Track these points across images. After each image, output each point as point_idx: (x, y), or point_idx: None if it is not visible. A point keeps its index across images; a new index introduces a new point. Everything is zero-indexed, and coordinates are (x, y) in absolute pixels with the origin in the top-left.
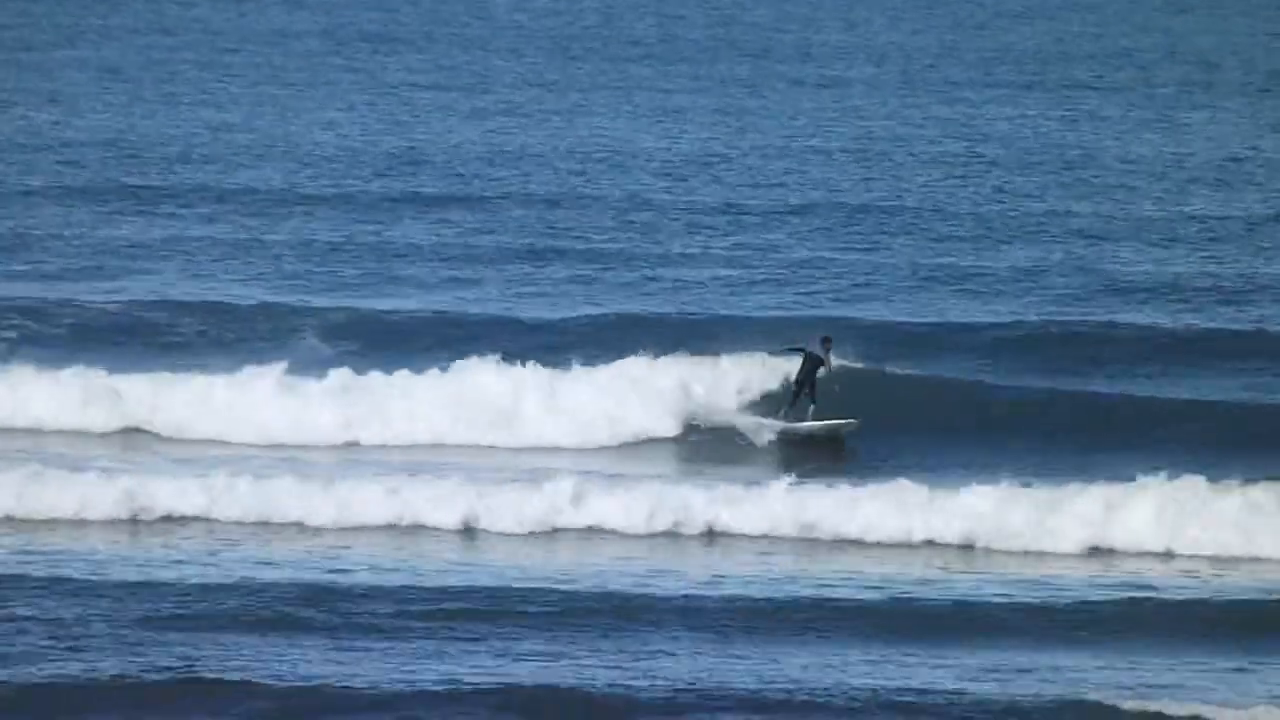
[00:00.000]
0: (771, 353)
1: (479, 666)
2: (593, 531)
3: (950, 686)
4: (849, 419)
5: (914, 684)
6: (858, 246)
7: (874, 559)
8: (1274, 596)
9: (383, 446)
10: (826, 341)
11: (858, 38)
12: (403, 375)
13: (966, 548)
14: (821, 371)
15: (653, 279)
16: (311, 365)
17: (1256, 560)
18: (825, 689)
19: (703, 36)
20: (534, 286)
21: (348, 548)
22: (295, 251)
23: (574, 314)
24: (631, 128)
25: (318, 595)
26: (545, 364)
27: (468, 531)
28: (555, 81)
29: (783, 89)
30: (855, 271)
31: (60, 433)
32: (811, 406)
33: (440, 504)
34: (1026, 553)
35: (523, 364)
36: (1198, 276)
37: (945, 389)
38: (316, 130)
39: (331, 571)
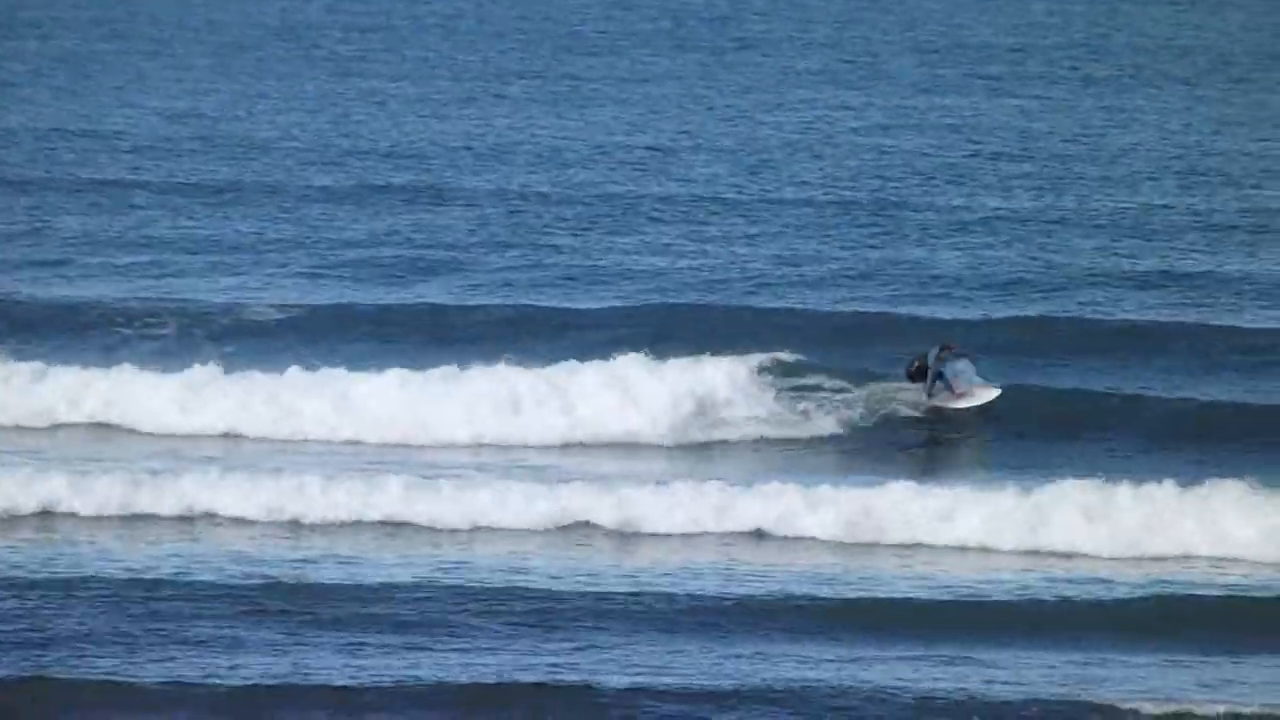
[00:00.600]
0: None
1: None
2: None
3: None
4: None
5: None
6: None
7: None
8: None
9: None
10: (946, 348)
11: (803, 28)
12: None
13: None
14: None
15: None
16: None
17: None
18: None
19: (654, 28)
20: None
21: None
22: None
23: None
24: (583, 118)
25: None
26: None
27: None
28: (503, 73)
29: (738, 80)
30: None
31: None
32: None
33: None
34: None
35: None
36: (1138, 266)
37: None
38: (262, 121)
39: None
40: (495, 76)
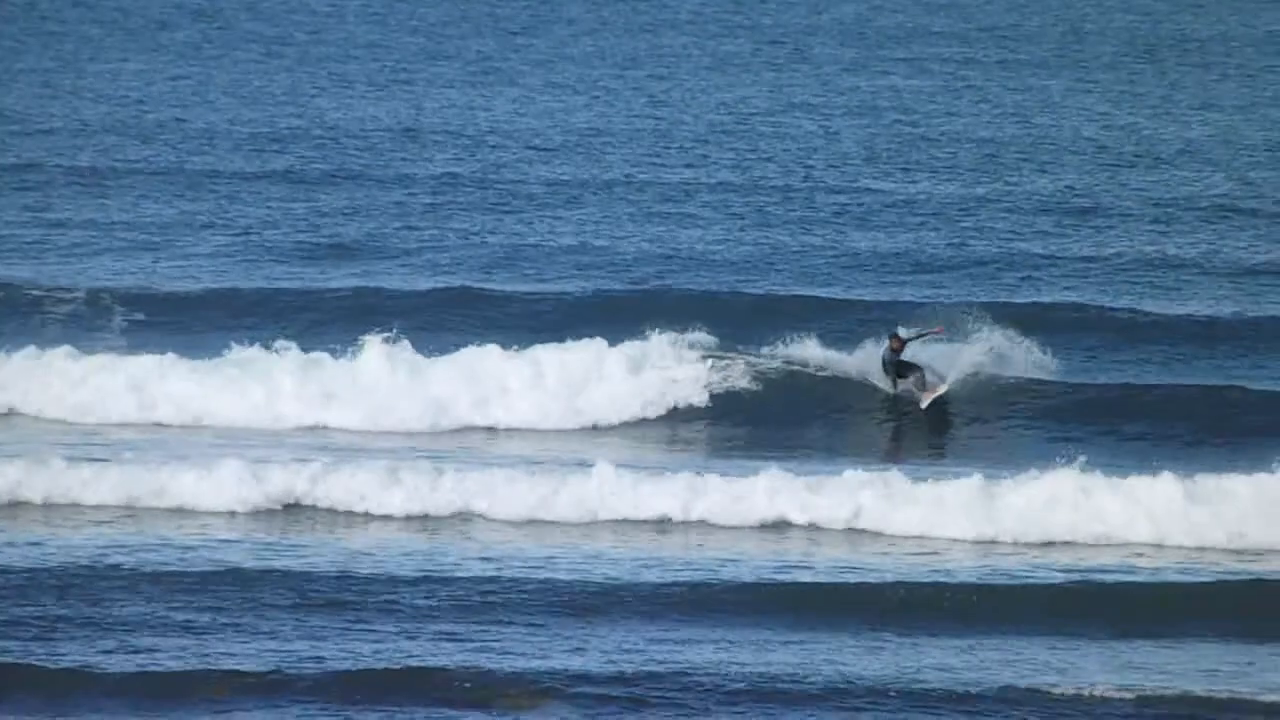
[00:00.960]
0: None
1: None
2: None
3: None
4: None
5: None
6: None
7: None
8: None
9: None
10: (893, 339)
11: (726, 10)
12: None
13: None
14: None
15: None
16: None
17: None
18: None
19: (574, 10)
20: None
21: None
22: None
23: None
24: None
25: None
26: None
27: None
28: (423, 55)
29: (659, 62)
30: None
31: None
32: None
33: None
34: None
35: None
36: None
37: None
38: (179, 103)
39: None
40: (414, 59)
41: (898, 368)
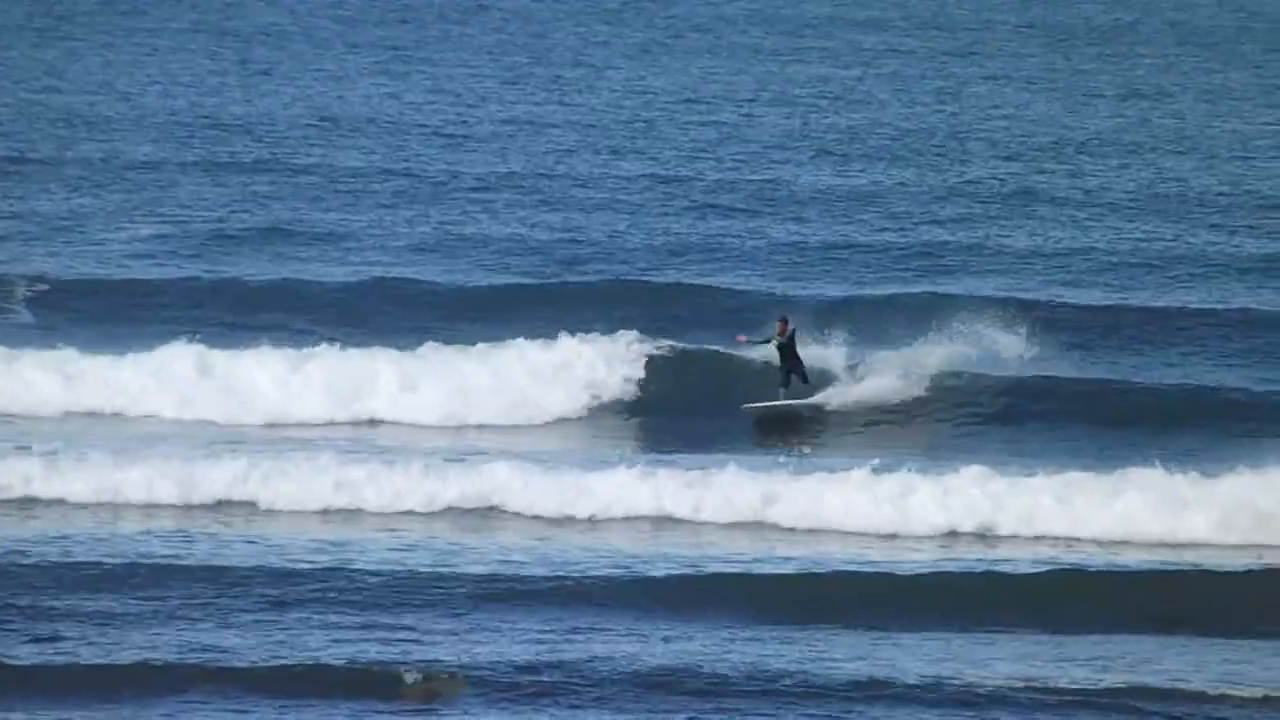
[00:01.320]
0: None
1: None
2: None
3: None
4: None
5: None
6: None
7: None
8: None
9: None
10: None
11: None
12: None
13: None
14: (773, 344)
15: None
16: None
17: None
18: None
19: (504, 3)
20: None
21: None
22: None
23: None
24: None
25: None
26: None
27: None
28: (332, 43)
29: (573, 53)
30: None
31: None
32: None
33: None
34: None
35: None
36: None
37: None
38: (94, 92)
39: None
40: (330, 47)
41: (781, 352)
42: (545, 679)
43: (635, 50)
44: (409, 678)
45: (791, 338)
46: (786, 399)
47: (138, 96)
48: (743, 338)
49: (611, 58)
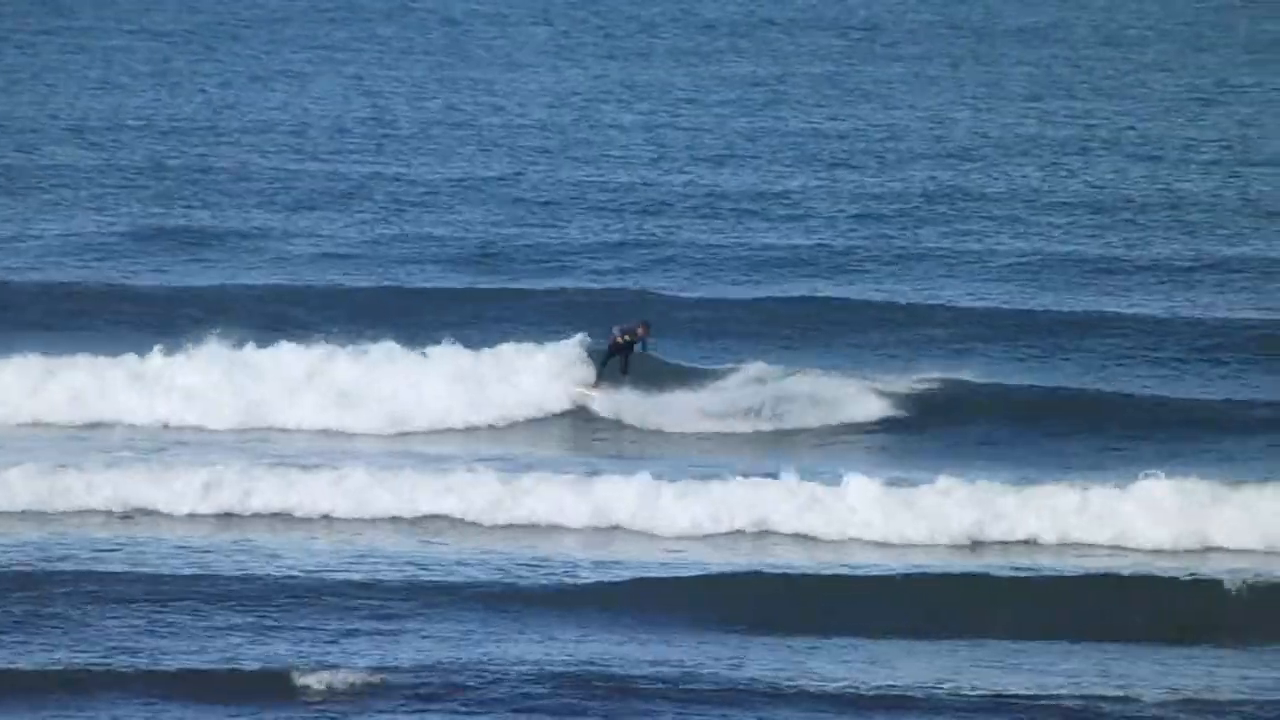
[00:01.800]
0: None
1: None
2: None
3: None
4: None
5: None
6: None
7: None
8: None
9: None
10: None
11: (574, 4)
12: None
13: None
14: (637, 348)
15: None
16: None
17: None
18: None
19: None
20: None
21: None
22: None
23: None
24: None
25: None
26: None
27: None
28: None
29: (465, 54)
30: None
31: None
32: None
33: None
34: None
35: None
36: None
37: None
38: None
39: None
40: (255, 47)
41: (617, 348)
42: (455, 679)
43: (554, 50)
44: (311, 680)
45: (644, 343)
46: (601, 385)
47: (51, 99)
48: (618, 334)
49: (531, 57)
